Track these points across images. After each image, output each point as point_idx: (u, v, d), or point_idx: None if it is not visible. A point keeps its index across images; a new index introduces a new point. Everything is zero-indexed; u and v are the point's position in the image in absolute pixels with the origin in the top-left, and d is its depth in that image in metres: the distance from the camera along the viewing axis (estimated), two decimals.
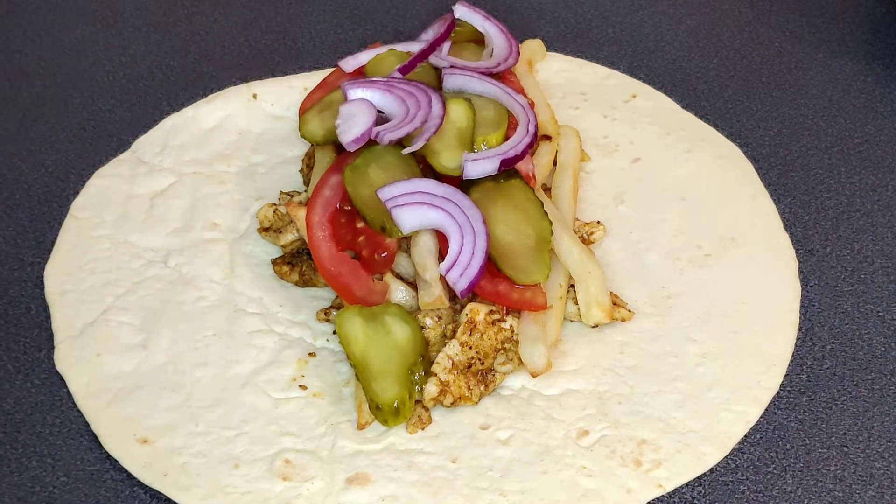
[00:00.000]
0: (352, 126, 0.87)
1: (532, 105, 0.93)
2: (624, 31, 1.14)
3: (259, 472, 0.77)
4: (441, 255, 0.83)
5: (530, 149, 0.88)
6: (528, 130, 0.89)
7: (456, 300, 0.83)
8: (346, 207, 0.85)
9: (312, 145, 0.94)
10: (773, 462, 0.79)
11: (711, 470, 0.78)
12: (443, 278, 0.82)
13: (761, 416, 0.81)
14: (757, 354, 0.84)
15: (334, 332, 0.84)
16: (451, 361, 0.80)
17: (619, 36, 1.14)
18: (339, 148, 0.89)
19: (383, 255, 0.83)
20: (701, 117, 1.04)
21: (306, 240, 0.85)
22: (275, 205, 0.91)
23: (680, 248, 0.91)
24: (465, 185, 0.85)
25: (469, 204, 0.83)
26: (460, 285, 0.81)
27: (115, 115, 1.05)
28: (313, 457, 0.78)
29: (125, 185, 0.97)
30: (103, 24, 1.16)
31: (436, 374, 0.79)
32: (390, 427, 0.79)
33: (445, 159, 0.86)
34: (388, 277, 0.84)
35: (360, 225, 0.85)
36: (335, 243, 0.84)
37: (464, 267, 0.81)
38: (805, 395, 0.83)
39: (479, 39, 1.02)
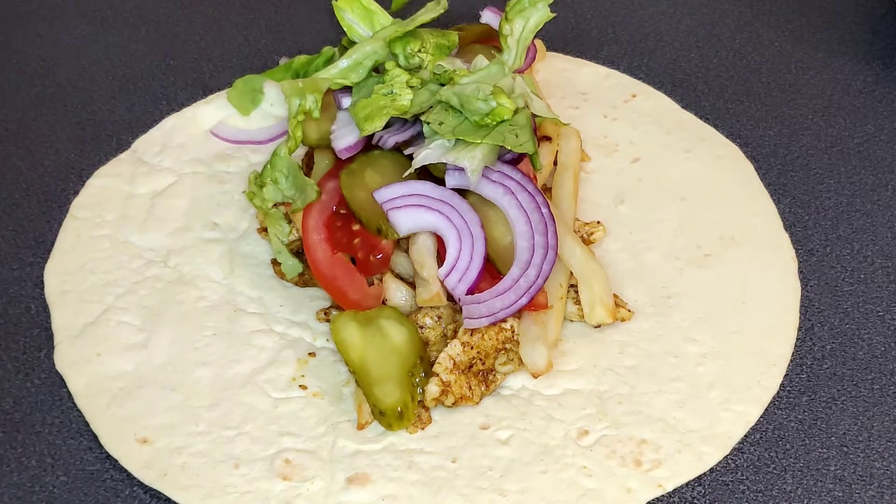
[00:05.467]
0: (346, 133, 0.88)
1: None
2: (624, 31, 1.14)
3: (259, 471, 0.77)
4: (440, 255, 0.83)
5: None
6: None
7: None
8: (342, 211, 0.85)
9: (311, 147, 0.94)
10: (773, 462, 0.79)
11: (711, 470, 0.78)
12: None
13: (761, 416, 0.81)
14: (757, 354, 0.84)
15: None
16: (452, 361, 0.80)
17: (619, 36, 1.14)
18: None
19: (379, 256, 0.83)
20: (701, 117, 1.04)
21: None
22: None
23: (680, 248, 0.91)
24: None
25: (466, 207, 0.83)
26: (459, 290, 0.81)
27: (115, 115, 1.05)
28: (313, 457, 0.78)
29: (125, 185, 0.97)
30: (103, 24, 1.16)
31: (437, 375, 0.79)
32: (394, 431, 0.79)
33: None
34: (388, 277, 0.84)
35: (357, 227, 0.85)
36: (331, 246, 0.84)
37: (462, 272, 0.81)
38: (805, 395, 0.83)
39: (484, 40, 1.01)
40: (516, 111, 0.84)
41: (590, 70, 1.08)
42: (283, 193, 0.87)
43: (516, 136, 0.83)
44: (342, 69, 0.92)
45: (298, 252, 0.88)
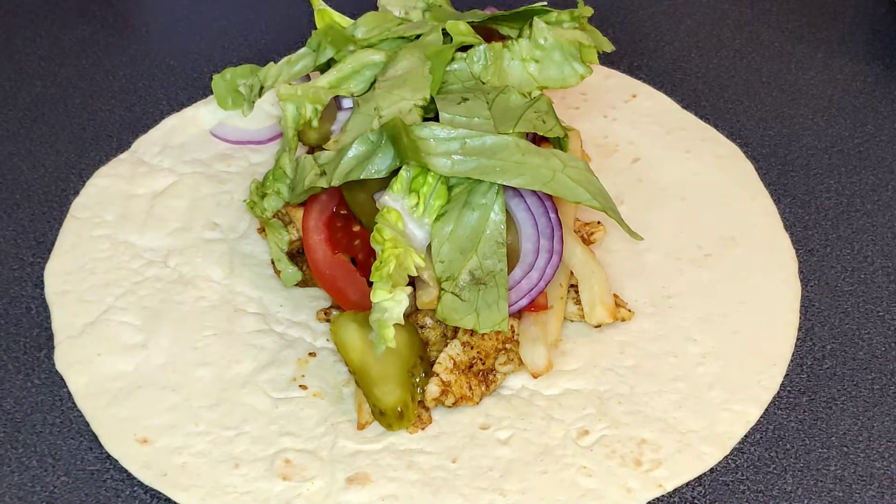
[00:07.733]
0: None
1: None
2: (624, 31, 1.14)
3: (259, 471, 0.77)
4: None
5: None
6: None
7: None
8: (342, 211, 0.85)
9: (311, 147, 0.94)
10: (773, 462, 0.79)
11: (711, 470, 0.78)
12: None
13: (761, 416, 0.81)
14: (757, 354, 0.84)
15: None
16: (452, 362, 0.80)
17: (619, 36, 1.14)
18: None
19: None
20: (701, 117, 1.04)
21: None
22: None
23: (680, 247, 0.91)
24: None
25: None
26: None
27: (115, 115, 1.05)
28: (313, 457, 0.78)
29: (125, 185, 0.97)
30: (103, 24, 1.16)
31: (437, 375, 0.79)
32: (394, 431, 0.79)
33: None
34: None
35: (357, 228, 0.85)
36: (331, 247, 0.84)
37: None
38: (805, 395, 0.83)
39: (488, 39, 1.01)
40: (535, 98, 0.84)
41: None
42: (286, 201, 0.87)
43: (543, 122, 0.83)
44: (339, 76, 0.91)
45: (298, 252, 0.89)
